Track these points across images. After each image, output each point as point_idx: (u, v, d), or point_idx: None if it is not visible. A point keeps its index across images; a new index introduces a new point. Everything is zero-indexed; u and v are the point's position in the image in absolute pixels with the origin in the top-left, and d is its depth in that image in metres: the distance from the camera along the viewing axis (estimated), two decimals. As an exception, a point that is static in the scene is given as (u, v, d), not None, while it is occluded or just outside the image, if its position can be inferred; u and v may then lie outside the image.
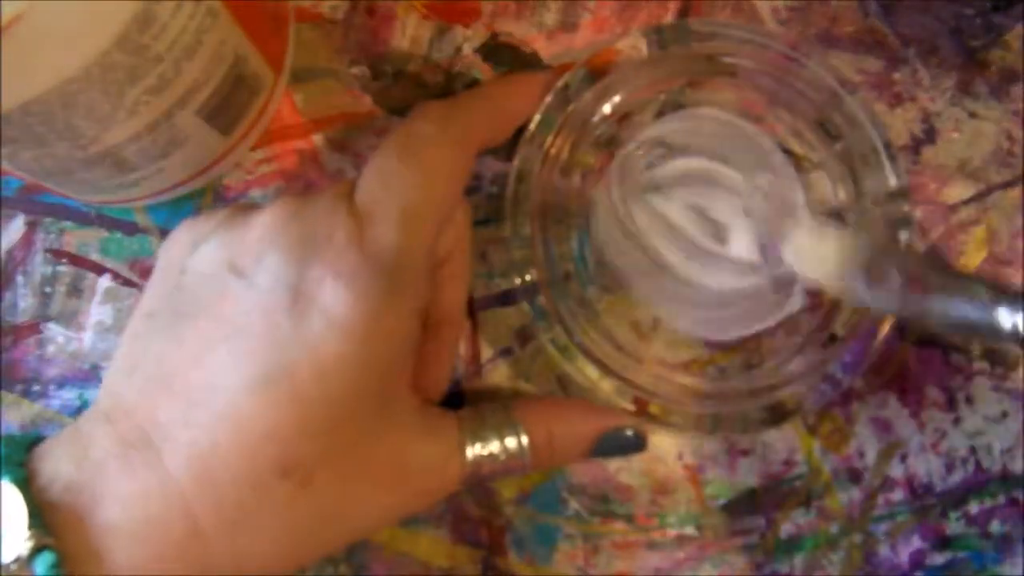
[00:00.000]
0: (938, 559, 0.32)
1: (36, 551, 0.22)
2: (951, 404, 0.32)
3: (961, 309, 0.22)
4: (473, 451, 0.27)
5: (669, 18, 0.34)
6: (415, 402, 0.26)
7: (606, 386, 0.30)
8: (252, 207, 0.26)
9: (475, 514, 0.32)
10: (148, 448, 0.23)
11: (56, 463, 0.23)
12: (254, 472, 0.23)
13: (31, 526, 0.22)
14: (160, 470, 0.23)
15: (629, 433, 0.29)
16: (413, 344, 0.26)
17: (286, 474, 0.23)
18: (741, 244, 0.31)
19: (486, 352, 0.32)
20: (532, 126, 0.31)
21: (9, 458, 0.23)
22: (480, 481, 0.27)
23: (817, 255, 0.27)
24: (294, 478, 0.23)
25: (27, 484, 0.23)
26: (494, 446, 0.27)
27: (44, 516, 0.22)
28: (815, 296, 0.30)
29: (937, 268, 0.27)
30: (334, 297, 0.23)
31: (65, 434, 0.24)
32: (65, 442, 0.24)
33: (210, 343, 0.23)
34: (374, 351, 0.24)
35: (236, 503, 0.23)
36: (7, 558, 0.22)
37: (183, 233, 0.26)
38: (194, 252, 0.25)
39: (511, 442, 0.27)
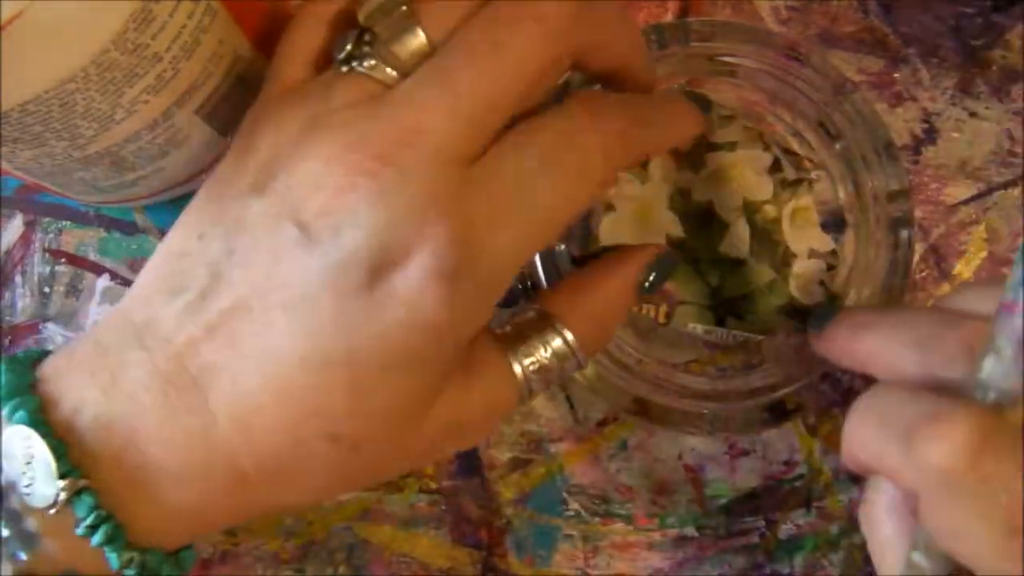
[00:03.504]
0: (938, 559, 0.32)
1: (75, 494, 0.20)
2: (951, 404, 0.32)
3: None
4: (523, 369, 0.24)
5: (669, 17, 0.34)
6: (469, 361, 0.24)
7: (606, 386, 0.30)
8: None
9: (475, 515, 0.32)
10: (191, 390, 0.21)
11: (80, 389, 0.21)
12: (299, 438, 0.21)
13: (62, 466, 0.20)
14: (205, 415, 0.21)
15: (659, 254, 0.27)
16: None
17: (333, 441, 0.22)
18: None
19: (486, 352, 0.32)
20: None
21: (16, 384, 0.21)
22: (540, 391, 0.25)
23: None
24: (342, 445, 0.22)
25: (44, 413, 0.21)
26: (541, 355, 0.25)
27: (71, 452, 0.20)
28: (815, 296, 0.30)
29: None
30: (421, 295, 0.21)
31: (84, 350, 0.22)
32: (86, 362, 0.22)
33: (266, 302, 0.21)
34: (445, 353, 0.22)
35: (281, 460, 0.22)
36: (40, 502, 0.20)
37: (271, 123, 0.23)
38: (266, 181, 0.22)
39: (557, 344, 0.25)
